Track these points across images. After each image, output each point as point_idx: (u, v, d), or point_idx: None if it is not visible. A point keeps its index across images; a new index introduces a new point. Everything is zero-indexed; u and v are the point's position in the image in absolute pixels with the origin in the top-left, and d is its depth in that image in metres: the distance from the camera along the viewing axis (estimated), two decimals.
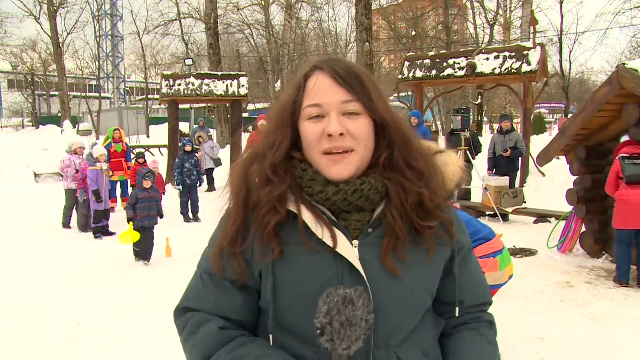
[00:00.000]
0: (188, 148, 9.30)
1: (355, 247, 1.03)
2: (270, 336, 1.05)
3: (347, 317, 0.91)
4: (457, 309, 1.16)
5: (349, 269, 1.01)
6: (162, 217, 6.65)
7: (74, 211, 8.79)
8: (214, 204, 1.17)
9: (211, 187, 12.23)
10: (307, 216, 1.03)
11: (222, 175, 11.86)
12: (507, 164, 9.30)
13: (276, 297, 1.04)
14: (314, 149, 1.04)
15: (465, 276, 1.17)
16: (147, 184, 6.36)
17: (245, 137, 14.61)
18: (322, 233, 1.01)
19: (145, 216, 6.30)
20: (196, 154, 9.60)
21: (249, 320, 1.12)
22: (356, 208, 1.05)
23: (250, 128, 20.25)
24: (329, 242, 1.01)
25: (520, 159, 9.63)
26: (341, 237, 1.02)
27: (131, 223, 6.21)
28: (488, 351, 1.17)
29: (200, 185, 9.52)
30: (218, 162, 12.56)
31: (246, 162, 1.12)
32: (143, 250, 6.36)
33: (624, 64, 5.18)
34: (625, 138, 5.37)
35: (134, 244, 6.30)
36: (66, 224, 8.81)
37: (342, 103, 1.03)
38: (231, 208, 1.11)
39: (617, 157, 5.19)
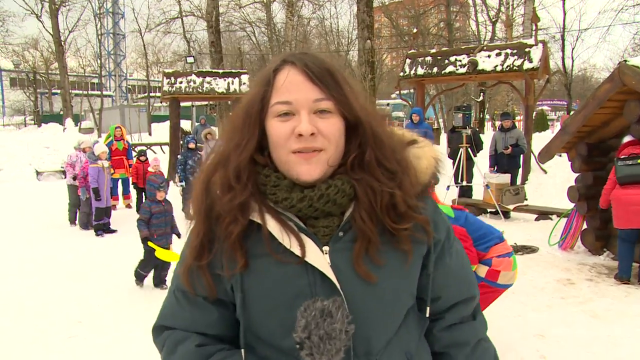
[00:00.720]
0: (191, 145, 9.31)
1: (326, 253, 0.97)
2: (242, 351, 1.01)
3: (325, 331, 0.89)
4: (428, 308, 1.10)
5: (320, 277, 0.95)
6: (179, 236, 5.51)
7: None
8: None
9: None
10: (272, 226, 0.97)
11: None
12: (509, 161, 9.28)
13: (246, 311, 1.00)
14: (282, 148, 0.97)
15: (443, 271, 1.10)
16: (160, 195, 5.37)
17: None
18: (289, 242, 0.96)
19: (161, 234, 5.29)
20: (199, 152, 9.59)
21: (226, 333, 1.07)
22: (324, 213, 0.99)
23: None
24: (297, 252, 0.95)
25: (521, 156, 9.61)
26: (310, 244, 0.96)
27: (151, 243, 5.12)
28: None
29: None
30: None
31: (209, 168, 1.05)
32: (158, 277, 5.39)
33: (625, 61, 5.16)
34: (627, 138, 5.32)
35: (140, 269, 5.32)
36: (72, 220, 8.84)
37: (313, 101, 0.96)
38: (195, 220, 1.05)
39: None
